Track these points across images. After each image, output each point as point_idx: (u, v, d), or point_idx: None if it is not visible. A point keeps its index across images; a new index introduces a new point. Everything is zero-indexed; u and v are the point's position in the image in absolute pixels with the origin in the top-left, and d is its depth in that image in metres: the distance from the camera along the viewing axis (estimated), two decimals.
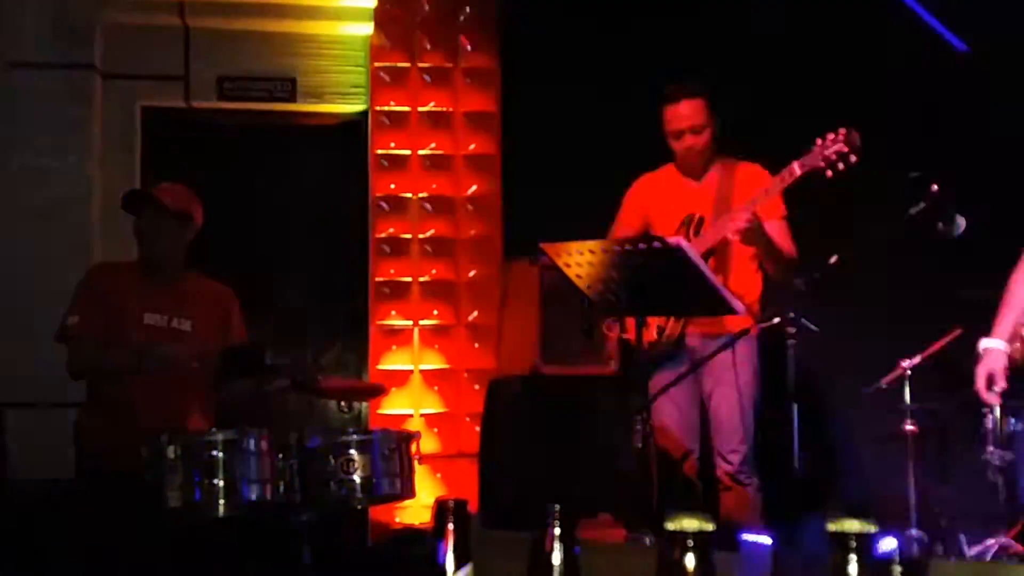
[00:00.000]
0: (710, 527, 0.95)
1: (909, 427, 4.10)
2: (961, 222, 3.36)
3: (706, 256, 3.67)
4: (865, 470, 4.80)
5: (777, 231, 3.88)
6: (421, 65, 5.22)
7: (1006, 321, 3.37)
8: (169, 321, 3.51)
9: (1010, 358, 3.28)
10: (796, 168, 3.61)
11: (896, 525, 4.08)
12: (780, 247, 3.83)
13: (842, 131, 3.55)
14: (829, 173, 3.57)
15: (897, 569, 0.97)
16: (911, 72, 4.89)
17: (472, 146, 5.19)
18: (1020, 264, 3.47)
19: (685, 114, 3.91)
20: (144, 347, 3.36)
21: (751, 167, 3.97)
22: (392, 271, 5.14)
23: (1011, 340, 3.30)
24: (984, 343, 3.38)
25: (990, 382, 3.28)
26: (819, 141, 3.58)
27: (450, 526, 1.12)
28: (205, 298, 3.65)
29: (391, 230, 5.15)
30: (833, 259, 3.20)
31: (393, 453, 3.11)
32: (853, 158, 3.54)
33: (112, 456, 3.24)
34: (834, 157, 3.54)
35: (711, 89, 3.98)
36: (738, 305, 3.32)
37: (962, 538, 3.84)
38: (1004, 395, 3.32)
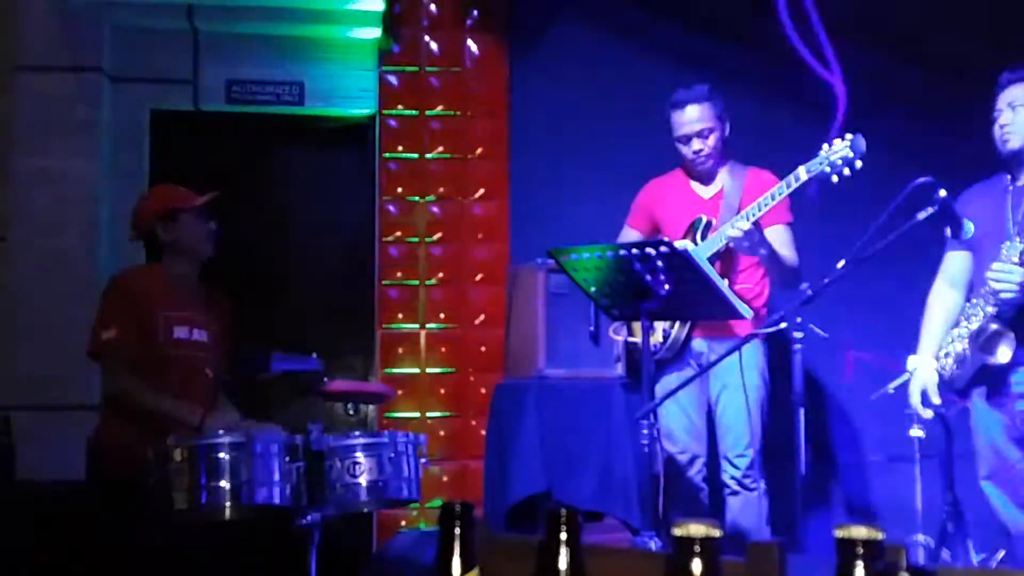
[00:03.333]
0: (717, 533, 0.95)
1: (916, 432, 4.09)
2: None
3: (712, 260, 3.68)
4: (871, 475, 4.80)
5: (780, 238, 3.88)
6: (429, 69, 5.22)
7: (931, 337, 3.49)
8: (191, 333, 3.51)
9: (940, 375, 3.40)
10: (802, 173, 3.63)
11: (902, 530, 4.07)
12: (781, 254, 3.84)
13: (848, 136, 3.57)
14: (835, 178, 3.59)
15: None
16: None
17: (480, 150, 5.20)
18: (937, 279, 3.57)
19: (692, 119, 3.93)
20: (208, 414, 3.33)
21: (761, 173, 3.98)
22: (399, 275, 5.14)
23: (937, 355, 3.42)
24: (913, 360, 3.50)
25: (924, 399, 3.42)
26: (825, 146, 3.60)
27: (456, 530, 1.12)
28: (214, 307, 3.66)
29: (398, 234, 5.15)
30: (840, 263, 3.21)
31: (399, 456, 3.11)
32: (859, 163, 3.56)
33: (131, 469, 3.22)
34: (840, 163, 3.56)
35: (719, 94, 3.99)
36: (745, 310, 3.32)
37: (969, 544, 3.83)
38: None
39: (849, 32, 4.97)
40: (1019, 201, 3.38)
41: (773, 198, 3.68)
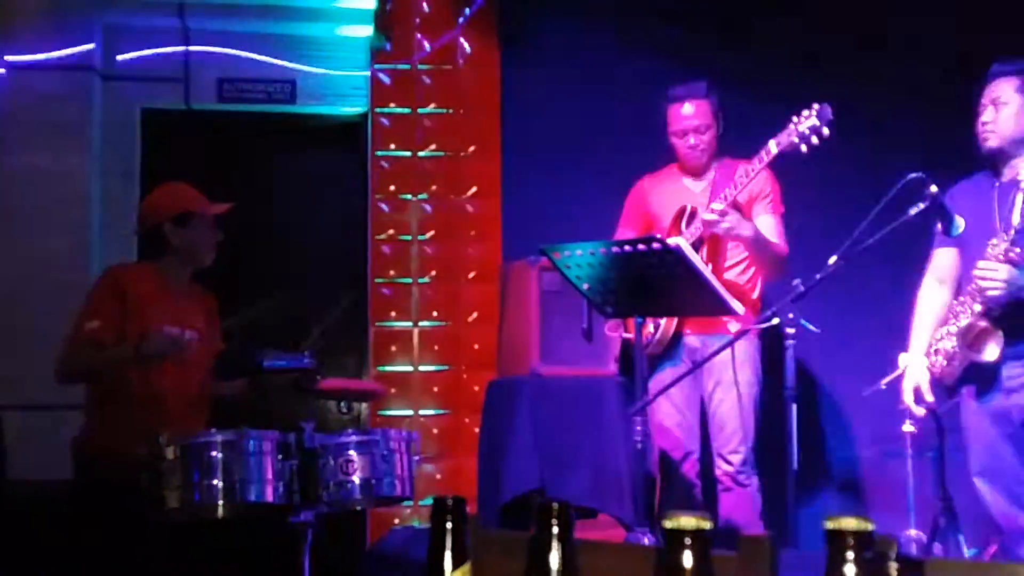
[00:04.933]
0: (708, 525, 0.95)
1: (908, 427, 4.10)
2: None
3: (696, 245, 3.70)
4: (863, 471, 4.80)
5: (770, 227, 3.90)
6: (421, 67, 5.22)
7: (921, 335, 3.50)
8: (182, 333, 3.50)
9: (931, 372, 3.41)
10: (772, 146, 3.67)
11: (894, 525, 4.08)
12: (769, 243, 3.85)
13: (815, 106, 3.61)
14: (804, 148, 3.63)
15: (893, 567, 0.97)
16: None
17: (472, 147, 5.19)
18: (925, 276, 3.58)
19: (689, 114, 3.95)
20: (138, 341, 3.33)
21: (749, 165, 3.98)
22: (392, 272, 5.14)
23: (928, 353, 3.42)
24: (904, 358, 3.50)
25: (917, 397, 3.42)
26: (794, 118, 3.64)
27: (448, 525, 1.11)
28: (202, 306, 3.66)
29: (391, 231, 5.15)
30: (832, 259, 3.21)
31: (392, 454, 3.11)
32: (826, 131, 3.61)
33: (117, 469, 3.21)
34: (808, 132, 3.61)
35: (715, 90, 4.01)
36: (737, 306, 3.33)
37: (960, 538, 3.84)
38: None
39: (842, 27, 4.98)
40: (1004, 198, 3.38)
41: (747, 175, 3.72)
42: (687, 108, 3.94)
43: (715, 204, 3.70)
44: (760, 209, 3.89)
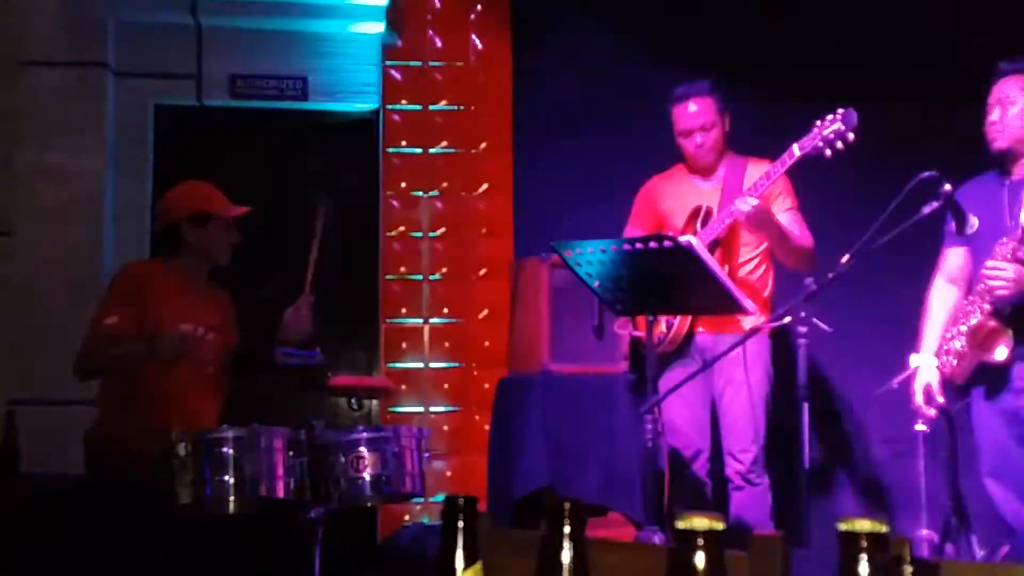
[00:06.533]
0: (720, 526, 0.94)
1: (919, 427, 4.09)
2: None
3: (712, 247, 3.69)
4: (875, 470, 4.79)
5: (792, 223, 3.89)
6: (433, 63, 5.22)
7: (931, 335, 3.48)
8: (196, 331, 3.51)
9: (941, 372, 3.39)
10: (795, 150, 3.66)
11: (905, 525, 4.07)
12: (791, 236, 3.84)
13: (840, 111, 3.60)
14: (828, 153, 3.61)
15: (908, 570, 0.96)
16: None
17: (483, 144, 5.19)
18: (935, 275, 3.56)
19: (694, 113, 3.94)
20: (152, 336, 3.34)
21: (759, 163, 3.98)
22: (402, 269, 5.14)
23: (938, 353, 3.41)
24: (915, 359, 3.48)
25: (928, 397, 3.41)
26: (818, 122, 3.63)
27: (459, 523, 1.11)
28: (218, 306, 3.67)
29: (402, 228, 5.15)
30: (845, 258, 3.21)
31: (403, 451, 3.11)
32: (851, 136, 3.59)
33: (129, 464, 3.23)
34: (832, 137, 3.59)
35: (720, 88, 4.00)
36: (749, 304, 3.32)
37: (973, 539, 3.83)
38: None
39: (855, 23, 4.96)
40: (1014, 197, 3.36)
41: (767, 178, 3.71)
42: (691, 107, 3.94)
43: (749, 199, 3.67)
44: (779, 208, 3.89)
